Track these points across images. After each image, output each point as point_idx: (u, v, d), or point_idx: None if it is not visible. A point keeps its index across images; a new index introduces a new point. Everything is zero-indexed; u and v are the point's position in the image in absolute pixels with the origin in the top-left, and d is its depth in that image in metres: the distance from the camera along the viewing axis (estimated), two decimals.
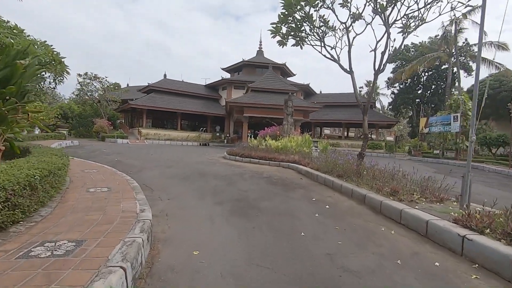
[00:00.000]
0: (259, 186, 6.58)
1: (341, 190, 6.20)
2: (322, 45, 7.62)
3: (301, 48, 8.13)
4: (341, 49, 7.87)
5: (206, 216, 4.11)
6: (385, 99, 58.23)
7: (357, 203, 5.22)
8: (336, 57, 7.64)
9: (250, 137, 20.83)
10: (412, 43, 29.58)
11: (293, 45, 8.08)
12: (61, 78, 22.35)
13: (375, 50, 6.98)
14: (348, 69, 7.42)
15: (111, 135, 23.41)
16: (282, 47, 8.23)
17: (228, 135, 30.91)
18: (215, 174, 8.12)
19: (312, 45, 7.88)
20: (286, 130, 16.76)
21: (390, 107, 35.39)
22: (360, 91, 51.41)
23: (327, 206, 4.89)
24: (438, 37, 27.51)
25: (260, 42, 38.68)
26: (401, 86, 31.59)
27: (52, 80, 21.48)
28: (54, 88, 25.88)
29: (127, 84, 45.12)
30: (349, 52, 7.32)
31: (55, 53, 7.86)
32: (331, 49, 7.74)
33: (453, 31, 22.74)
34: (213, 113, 30.94)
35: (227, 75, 36.92)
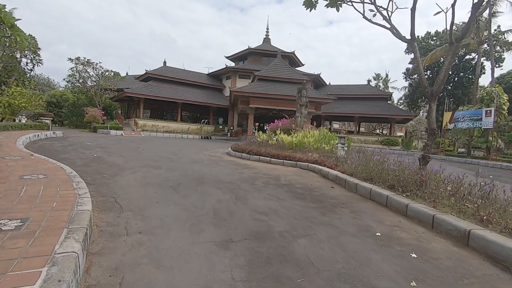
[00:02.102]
0: (282, 203, 4.50)
1: (406, 213, 4.14)
2: (371, 1, 5.44)
3: (337, 10, 5.96)
4: (392, 12, 5.71)
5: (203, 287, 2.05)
6: (395, 93, 55.51)
7: (454, 244, 3.14)
8: (387, 17, 5.47)
9: (256, 130, 18.73)
10: (436, 32, 26.93)
11: (327, 5, 5.90)
12: (39, 58, 20.27)
13: (453, 5, 4.78)
14: (410, 36, 5.24)
15: (103, 126, 21.36)
16: (310, 10, 6.08)
17: (231, 127, 28.79)
18: (217, 180, 6.04)
19: (353, 2, 5.71)
20: (300, 123, 14.64)
21: (407, 100, 32.85)
22: (369, 81, 49.00)
23: (413, 255, 2.80)
24: (464, 24, 24.93)
25: (267, 29, 36.25)
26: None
27: (29, 61, 19.38)
28: (31, 70, 23.78)
29: (126, 73, 42.96)
30: (412, 10, 5.12)
31: (3, 11, 5.68)
32: (381, 10, 5.57)
33: (485, 15, 20.25)
34: (216, 104, 28.77)
35: (231, 64, 34.58)
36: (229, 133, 27.83)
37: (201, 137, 25.24)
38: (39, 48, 20.15)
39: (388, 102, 29.82)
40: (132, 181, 5.49)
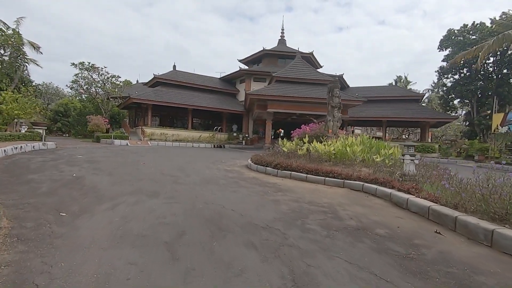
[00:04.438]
0: None
1: None
2: None
3: None
4: None
5: None
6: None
7: None
8: None
9: (279, 138, 16.25)
10: (474, 24, 23.89)
11: None
12: (25, 57, 18.45)
13: None
14: None
15: (107, 135, 19.46)
16: None
17: (246, 135, 26.49)
18: (245, 223, 3.67)
19: None
20: (332, 129, 12.15)
21: (440, 101, 29.70)
22: (392, 83, 45.96)
23: None
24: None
25: (282, 29, 34.05)
26: (455, 76, 25.95)
27: (13, 60, 17.73)
28: (15, 71, 22.18)
29: (137, 81, 41.71)
30: None
31: None
32: None
33: None
34: (229, 110, 26.60)
35: (245, 68, 32.50)
36: (244, 141, 25.53)
37: (214, 146, 23.06)
38: (24, 44, 17.99)
39: (419, 102, 26.85)
40: (102, 230, 3.19)
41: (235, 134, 26.74)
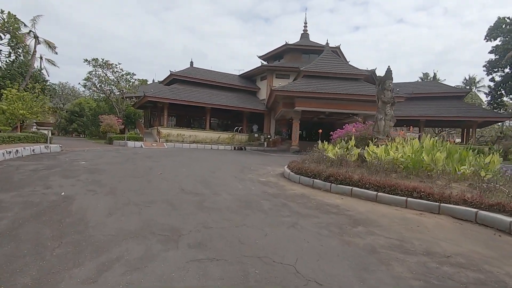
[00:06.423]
0: None
1: None
2: None
3: None
4: None
5: None
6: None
7: None
8: None
9: (322, 141, 14.20)
10: None
11: None
12: (24, 44, 17.02)
13: None
14: None
15: (120, 137, 17.96)
16: None
17: (268, 136, 24.47)
18: None
19: None
20: (384, 129, 9.99)
21: (487, 99, 26.59)
22: (418, 80, 42.84)
23: None
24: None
25: (305, 23, 31.83)
26: (506, 70, 22.80)
27: (11, 50, 16.38)
28: (13, 62, 20.94)
29: (153, 80, 40.67)
30: None
31: None
32: None
33: None
34: (249, 109, 24.68)
35: (265, 64, 30.50)
36: (265, 143, 23.51)
37: (234, 148, 21.19)
38: (19, 26, 15.94)
39: (463, 100, 23.87)
40: None
41: (256, 135, 24.77)
